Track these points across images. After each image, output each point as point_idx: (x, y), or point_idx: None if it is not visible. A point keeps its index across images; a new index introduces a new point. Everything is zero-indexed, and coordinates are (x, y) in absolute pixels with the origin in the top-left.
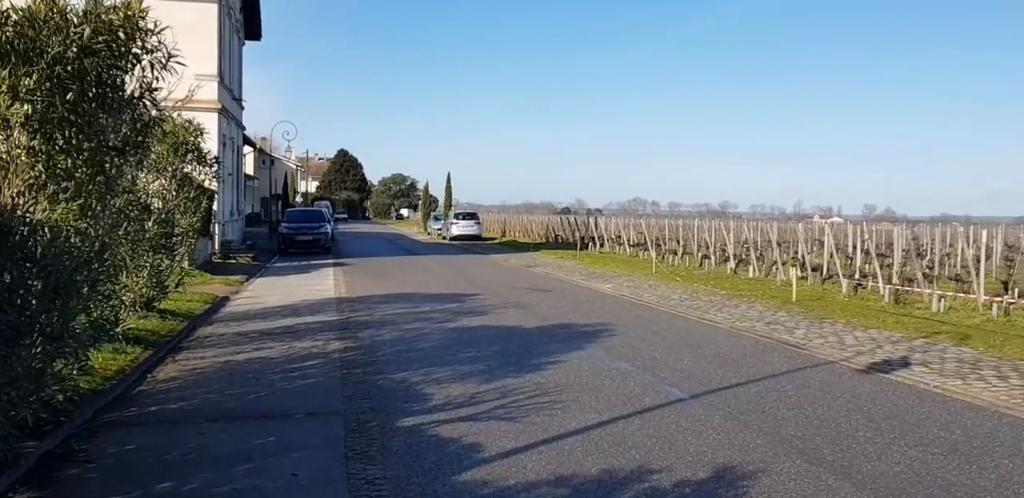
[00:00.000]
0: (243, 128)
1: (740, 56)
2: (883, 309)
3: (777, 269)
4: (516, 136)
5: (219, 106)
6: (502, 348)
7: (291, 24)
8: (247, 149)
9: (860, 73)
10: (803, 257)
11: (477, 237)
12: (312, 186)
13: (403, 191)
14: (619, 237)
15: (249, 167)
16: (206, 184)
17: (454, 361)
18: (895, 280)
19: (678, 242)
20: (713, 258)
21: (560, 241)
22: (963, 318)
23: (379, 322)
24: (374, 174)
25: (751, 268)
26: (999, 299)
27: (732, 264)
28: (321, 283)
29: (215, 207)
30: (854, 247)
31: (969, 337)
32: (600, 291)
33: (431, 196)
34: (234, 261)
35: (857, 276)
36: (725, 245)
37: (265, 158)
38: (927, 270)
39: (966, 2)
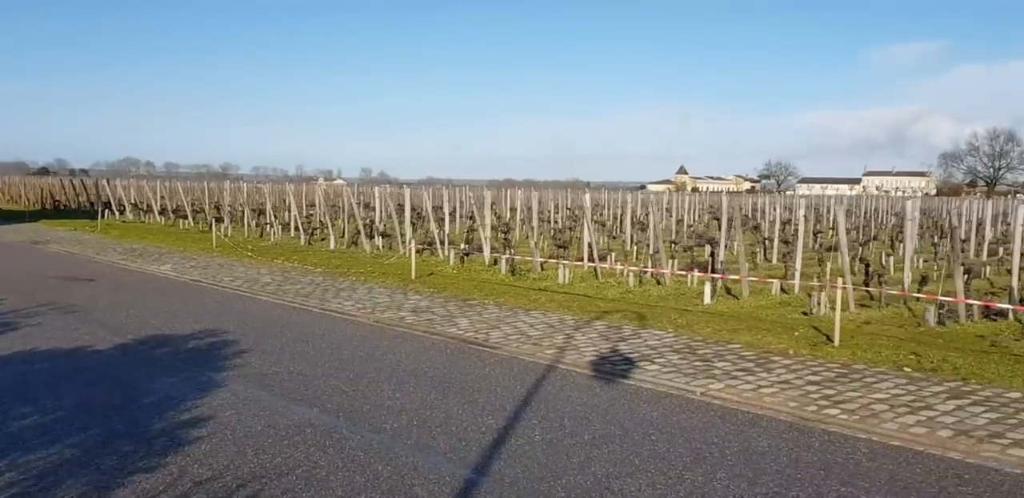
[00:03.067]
0: None
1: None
2: (504, 282)
3: (359, 239)
4: None
5: None
6: (84, 399)
7: None
8: None
9: (355, 49)
10: (430, 223)
11: None
12: None
13: None
14: (140, 204)
15: None
16: None
17: (3, 443)
18: (490, 248)
19: (218, 209)
20: (274, 227)
21: (62, 208)
22: (594, 289)
23: None
24: None
25: (330, 239)
26: (592, 264)
27: (303, 234)
28: None
29: None
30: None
31: (644, 317)
32: (162, 276)
33: None
34: None
35: (458, 245)
36: (282, 211)
37: None
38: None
39: None
